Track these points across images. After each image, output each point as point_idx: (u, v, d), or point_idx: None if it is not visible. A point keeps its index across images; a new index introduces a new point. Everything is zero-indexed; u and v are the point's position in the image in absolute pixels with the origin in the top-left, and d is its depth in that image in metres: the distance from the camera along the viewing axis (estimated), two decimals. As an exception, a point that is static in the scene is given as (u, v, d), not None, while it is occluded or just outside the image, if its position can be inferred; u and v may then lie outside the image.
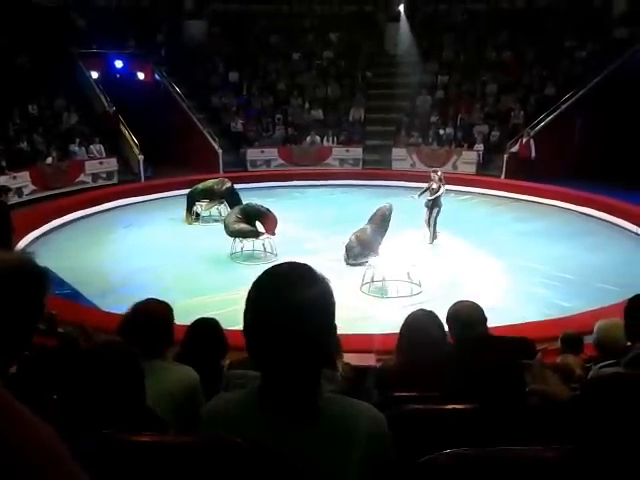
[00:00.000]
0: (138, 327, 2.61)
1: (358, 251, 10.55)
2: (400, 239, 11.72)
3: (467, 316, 3.10)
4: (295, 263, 1.34)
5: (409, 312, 3.20)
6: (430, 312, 3.05)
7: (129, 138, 17.44)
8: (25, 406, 0.81)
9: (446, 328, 3.06)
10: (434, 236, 11.96)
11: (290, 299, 1.25)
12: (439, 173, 12.12)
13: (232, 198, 13.32)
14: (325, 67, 21.56)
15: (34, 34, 17.80)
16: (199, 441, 1.30)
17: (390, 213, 10.93)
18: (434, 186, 11.86)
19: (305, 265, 1.33)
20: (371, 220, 10.97)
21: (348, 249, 10.61)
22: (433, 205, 11.84)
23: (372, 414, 1.34)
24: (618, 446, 1.33)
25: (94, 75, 18.68)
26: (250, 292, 1.31)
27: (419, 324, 2.95)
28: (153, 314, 2.69)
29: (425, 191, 12.02)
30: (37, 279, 1.40)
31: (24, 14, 17.89)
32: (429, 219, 11.93)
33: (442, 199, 11.93)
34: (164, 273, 10.17)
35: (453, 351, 3.03)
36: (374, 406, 1.39)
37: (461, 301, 3.27)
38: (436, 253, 11.48)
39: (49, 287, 1.43)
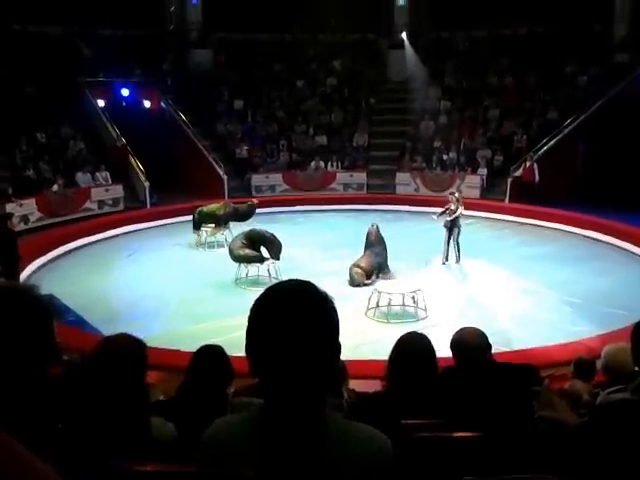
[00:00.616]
0: (103, 365, 2.39)
1: (361, 280, 10.71)
2: (405, 263, 11.73)
3: (471, 342, 3.07)
4: (299, 281, 1.34)
5: (406, 333, 3.15)
6: (420, 334, 3.01)
7: (135, 165, 17.60)
8: (30, 436, 0.81)
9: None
10: (458, 257, 12.31)
11: (294, 316, 1.25)
12: (457, 195, 12.62)
13: (238, 216, 13.63)
14: (329, 94, 21.79)
15: (41, 63, 18.10)
16: (202, 472, 1.29)
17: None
18: (452, 207, 12.21)
19: (309, 283, 1.33)
20: (369, 246, 11.17)
21: (352, 280, 10.79)
22: (452, 226, 12.19)
23: (377, 437, 1.32)
24: (626, 472, 1.32)
25: (101, 103, 18.89)
26: (253, 308, 1.31)
27: (408, 348, 2.90)
28: (121, 351, 2.44)
29: (444, 212, 12.34)
30: (40, 309, 1.40)
31: (31, 44, 18.21)
32: (448, 240, 12.27)
33: (460, 220, 12.28)
34: (169, 299, 10.17)
35: (445, 375, 3.00)
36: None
37: (465, 327, 3.24)
38: (442, 277, 11.45)
39: (53, 317, 1.42)
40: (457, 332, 3.17)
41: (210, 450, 1.35)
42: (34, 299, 1.40)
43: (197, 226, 13.82)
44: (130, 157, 17.57)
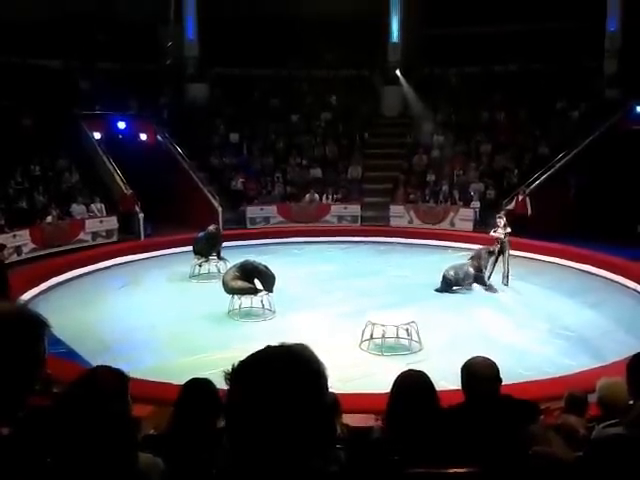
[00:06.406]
0: (79, 402, 2.36)
1: (455, 279, 11.95)
2: (399, 295, 11.71)
3: (480, 372, 3.04)
4: (292, 347, 1.21)
5: (404, 371, 3.13)
6: (419, 372, 2.98)
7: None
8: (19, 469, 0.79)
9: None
10: (506, 280, 12.73)
11: (274, 390, 1.14)
12: (504, 220, 12.95)
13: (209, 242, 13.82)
14: (324, 128, 22.05)
15: (39, 96, 18.26)
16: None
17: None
18: (500, 231, 12.75)
19: (303, 350, 1.21)
20: (473, 257, 12.41)
21: (448, 278, 12.03)
22: (502, 249, 12.65)
23: None
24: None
25: (97, 136, 19.00)
26: (235, 371, 1.20)
27: (408, 386, 2.88)
28: (98, 387, 2.23)
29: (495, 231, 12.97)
30: (32, 327, 1.36)
31: (29, 76, 18.41)
32: (495, 261, 12.80)
33: (507, 245, 12.75)
34: (161, 331, 10.09)
35: (451, 414, 2.97)
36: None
37: (477, 356, 3.20)
38: (436, 310, 11.42)
39: (44, 336, 1.37)
40: (469, 360, 3.12)
41: None
42: (22, 321, 1.36)
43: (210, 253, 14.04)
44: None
